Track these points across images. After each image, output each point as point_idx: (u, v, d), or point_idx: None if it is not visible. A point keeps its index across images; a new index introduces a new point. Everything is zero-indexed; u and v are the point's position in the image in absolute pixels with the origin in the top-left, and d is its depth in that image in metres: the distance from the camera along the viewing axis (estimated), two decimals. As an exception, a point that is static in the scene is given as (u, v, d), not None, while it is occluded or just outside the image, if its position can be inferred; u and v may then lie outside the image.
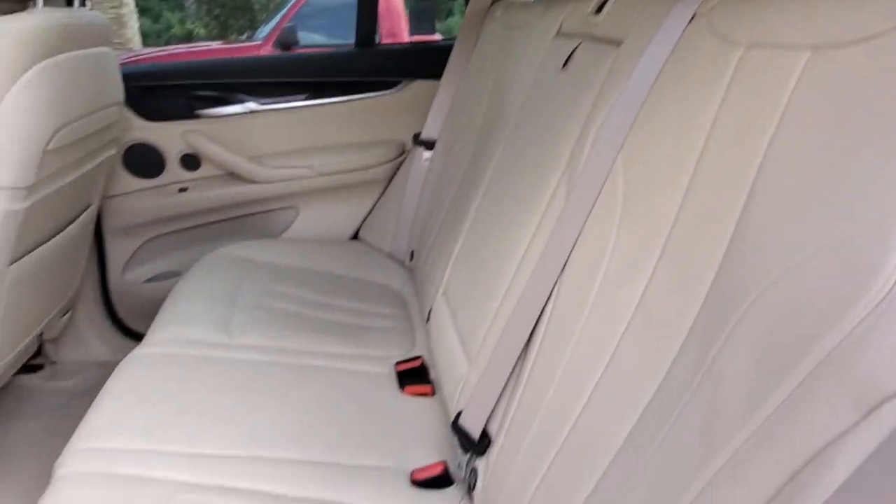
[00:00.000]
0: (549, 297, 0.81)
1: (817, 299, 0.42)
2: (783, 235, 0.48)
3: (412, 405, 1.16)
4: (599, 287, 0.72)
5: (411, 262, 1.73)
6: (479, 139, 1.41)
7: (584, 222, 0.77)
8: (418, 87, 1.89)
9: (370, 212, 1.95)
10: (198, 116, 1.81)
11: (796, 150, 0.51)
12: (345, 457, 0.99)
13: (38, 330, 1.51)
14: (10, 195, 1.12)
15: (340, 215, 1.94)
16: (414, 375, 1.24)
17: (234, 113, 1.83)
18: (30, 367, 1.78)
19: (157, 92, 1.78)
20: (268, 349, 1.25)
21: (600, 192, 0.76)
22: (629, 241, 0.70)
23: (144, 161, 1.80)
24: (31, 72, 1.13)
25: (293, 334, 1.32)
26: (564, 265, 0.80)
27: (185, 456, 0.93)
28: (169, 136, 1.79)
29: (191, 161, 1.83)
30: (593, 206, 0.77)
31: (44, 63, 1.16)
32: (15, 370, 1.64)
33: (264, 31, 6.02)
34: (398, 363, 1.27)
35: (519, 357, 0.85)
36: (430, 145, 1.73)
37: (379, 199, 1.94)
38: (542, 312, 0.82)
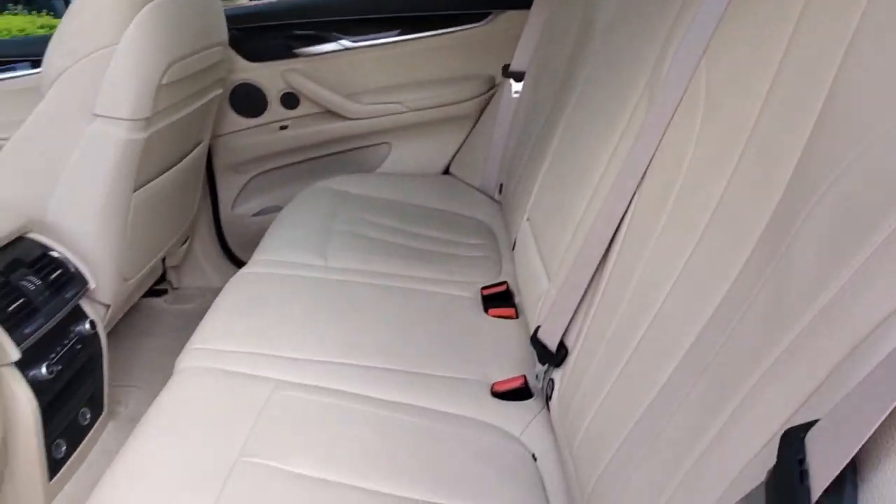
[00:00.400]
0: (626, 210, 0.81)
1: (886, 180, 0.41)
2: (860, 120, 0.46)
3: (495, 326, 1.20)
4: (677, 194, 0.71)
5: (500, 195, 1.74)
6: (568, 67, 1.38)
7: (664, 131, 0.76)
8: (508, 18, 1.86)
9: (460, 147, 1.97)
10: (295, 56, 1.88)
11: (887, 29, 0.48)
12: (429, 368, 1.05)
13: (161, 255, 1.67)
14: (130, 126, 1.24)
15: (431, 151, 1.98)
16: (498, 299, 1.28)
17: (330, 51, 1.89)
18: (156, 292, 1.98)
19: (256, 33, 1.86)
20: (360, 272, 1.32)
21: (682, 97, 0.74)
22: (710, 145, 0.68)
23: (248, 101, 1.90)
24: (143, 12, 1.23)
25: (384, 259, 1.38)
26: (643, 176, 0.79)
27: (285, 359, 1.02)
28: (270, 76, 1.88)
29: (290, 99, 1.92)
30: (674, 112, 0.75)
31: (154, 3, 1.25)
32: (143, 293, 1.83)
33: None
34: (483, 288, 1.31)
35: (596, 270, 0.86)
36: (519, 77, 1.72)
37: (469, 133, 1.96)
38: (619, 225, 0.82)
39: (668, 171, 0.74)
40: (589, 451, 0.74)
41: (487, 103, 1.91)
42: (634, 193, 0.80)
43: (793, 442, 0.37)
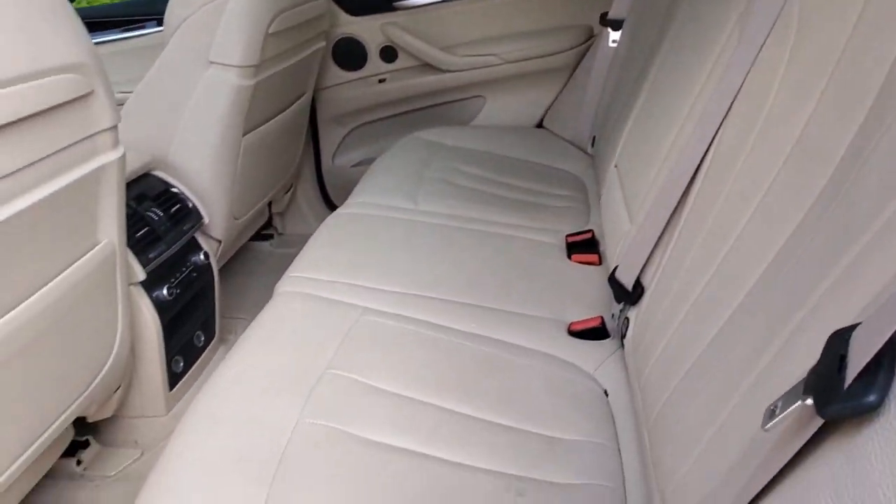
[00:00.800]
0: (709, 146, 0.80)
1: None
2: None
3: (577, 270, 1.21)
4: (762, 126, 0.69)
5: (592, 149, 1.73)
6: (668, 10, 1.34)
7: (752, 64, 0.74)
8: (609, -35, 1.81)
9: (555, 99, 1.96)
10: (395, 9, 1.93)
11: None
12: (508, 305, 1.08)
13: (266, 199, 1.79)
14: (240, 72, 1.33)
15: (525, 104, 1.98)
16: (583, 246, 1.28)
17: (428, 3, 1.92)
18: (263, 236, 2.13)
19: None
20: (448, 216, 1.37)
21: (772, 27, 0.72)
22: (798, 73, 0.66)
23: (350, 54, 1.98)
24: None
25: (472, 205, 1.42)
26: (728, 110, 0.77)
27: (372, 289, 1.08)
28: (370, 30, 1.93)
29: (389, 53, 1.97)
30: (763, 45, 0.72)
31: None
32: (251, 235, 1.98)
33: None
34: (569, 235, 1.32)
35: (675, 208, 0.85)
36: (617, 25, 1.67)
37: (564, 86, 1.94)
38: (701, 162, 0.81)
39: (754, 103, 0.72)
40: (655, 383, 0.75)
41: (584, 54, 1.88)
42: (718, 129, 0.78)
43: (837, 341, 0.37)
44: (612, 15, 1.68)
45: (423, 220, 1.33)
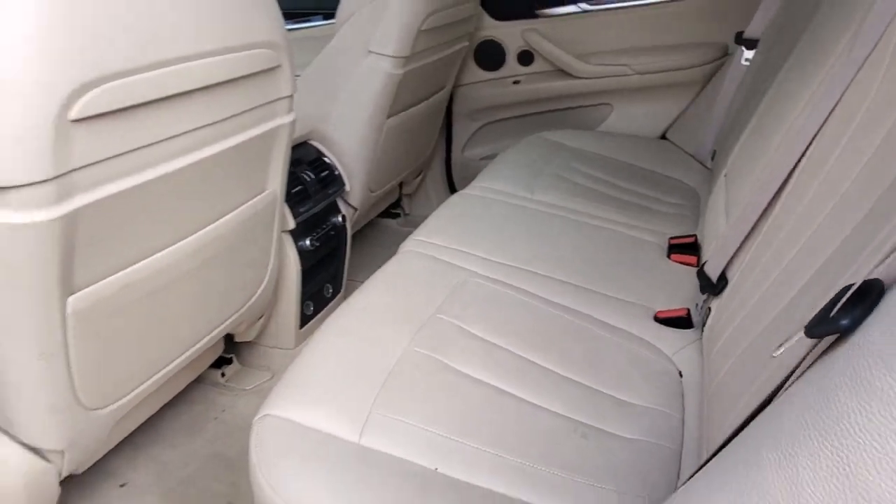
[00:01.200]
0: (801, 156, 0.86)
1: None
2: None
3: (673, 267, 1.29)
4: (847, 140, 0.76)
5: (712, 162, 1.77)
6: (797, 33, 1.37)
7: (850, 81, 0.80)
8: (752, -16, 1.84)
9: (681, 113, 2.01)
10: (536, 16, 2.07)
11: None
12: (602, 287, 1.19)
13: (398, 179, 1.99)
14: (393, 62, 1.53)
15: (651, 115, 2.04)
16: (683, 248, 1.35)
17: (568, 13, 2.04)
18: (392, 214, 2.34)
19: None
20: (559, 207, 1.48)
21: (874, 48, 0.78)
22: (886, 93, 0.72)
23: (489, 56, 2.14)
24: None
25: (583, 201, 1.52)
26: (822, 124, 0.84)
27: (481, 258, 1.23)
28: (510, 34, 2.09)
29: (526, 57, 2.11)
30: (863, 63, 0.79)
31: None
32: (381, 210, 2.20)
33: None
34: (672, 237, 1.40)
35: (765, 211, 0.92)
36: (751, 45, 1.71)
37: (692, 101, 1.98)
38: (793, 170, 0.88)
39: (844, 118, 0.79)
40: (716, 360, 0.84)
41: (716, 71, 1.92)
42: (812, 141, 0.85)
43: (842, 292, 0.46)
44: (747, 34, 1.72)
45: (534, 208, 1.46)
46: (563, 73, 2.07)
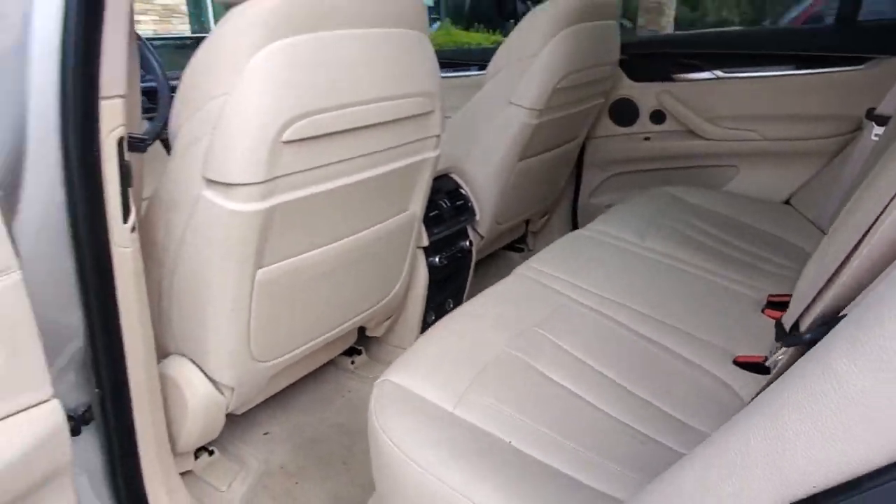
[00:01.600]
0: (878, 216, 0.96)
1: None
2: None
3: (763, 321, 1.37)
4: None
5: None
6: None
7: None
8: (888, 63, 1.87)
9: (807, 181, 2.05)
10: (671, 80, 2.21)
11: None
12: (687, 327, 1.31)
13: (524, 217, 2.20)
14: (528, 113, 1.76)
15: (776, 180, 2.10)
16: (780, 305, 1.43)
17: (702, 78, 2.17)
18: (515, 248, 2.55)
19: (644, 58, 2.25)
20: (665, 255, 1.61)
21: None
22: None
23: (624, 112, 2.31)
24: (561, 34, 1.72)
25: (690, 252, 1.64)
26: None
27: (582, 289, 1.40)
28: (645, 94, 2.25)
29: (658, 116, 2.26)
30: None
31: (571, 28, 1.74)
32: (505, 243, 2.41)
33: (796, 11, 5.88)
34: (771, 295, 1.48)
35: (845, 261, 1.01)
36: (883, 121, 1.74)
37: (820, 170, 2.02)
38: (869, 229, 0.97)
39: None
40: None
41: (846, 144, 1.95)
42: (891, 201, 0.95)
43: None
44: (879, 110, 1.76)
45: (641, 253, 1.61)
46: (693, 133, 2.19)
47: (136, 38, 1.70)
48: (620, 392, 1.10)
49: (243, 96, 0.98)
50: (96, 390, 1.00)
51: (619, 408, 1.06)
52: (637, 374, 1.14)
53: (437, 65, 1.33)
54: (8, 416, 0.79)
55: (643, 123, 2.29)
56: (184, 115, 1.05)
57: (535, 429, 0.98)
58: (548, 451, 0.95)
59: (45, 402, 0.83)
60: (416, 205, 1.49)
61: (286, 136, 1.02)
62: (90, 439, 1.04)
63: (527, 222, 2.44)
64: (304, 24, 1.00)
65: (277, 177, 1.05)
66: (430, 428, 0.96)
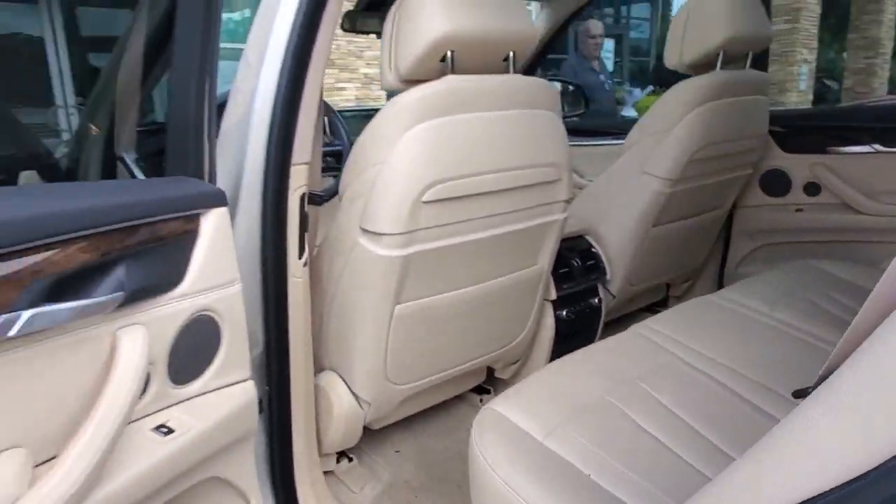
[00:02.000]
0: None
1: None
2: None
3: None
4: None
5: None
6: None
7: None
8: None
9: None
10: (826, 152, 2.17)
11: None
12: (782, 389, 1.32)
13: (662, 280, 2.26)
14: (661, 182, 1.86)
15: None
16: None
17: (859, 152, 2.10)
18: (654, 311, 2.58)
19: (796, 130, 2.23)
20: (790, 326, 1.60)
21: None
22: None
23: (775, 183, 2.29)
24: (700, 109, 1.82)
25: (825, 326, 1.61)
26: None
27: (691, 349, 1.46)
28: (798, 166, 2.22)
29: (812, 188, 2.21)
30: None
31: (711, 104, 1.83)
32: (642, 305, 2.47)
33: None
34: None
35: None
36: None
37: None
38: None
39: None
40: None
41: None
42: None
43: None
44: None
45: (765, 322, 1.61)
46: (849, 207, 2.12)
47: (330, 113, 2.08)
48: (717, 455, 1.16)
49: (394, 165, 1.23)
50: (266, 387, 1.28)
51: (712, 468, 1.12)
52: (740, 441, 1.19)
53: (565, 139, 1.50)
54: (226, 387, 1.10)
55: (796, 195, 2.26)
56: (351, 176, 1.33)
57: (617, 468, 1.09)
58: (624, 489, 1.05)
59: (246, 380, 1.12)
60: (544, 260, 1.65)
61: (425, 197, 1.26)
62: (259, 426, 1.33)
63: (668, 286, 2.47)
64: (445, 109, 1.24)
65: (416, 230, 1.28)
66: (519, 453, 1.11)
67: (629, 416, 1.21)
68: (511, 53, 1.35)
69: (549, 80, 3.26)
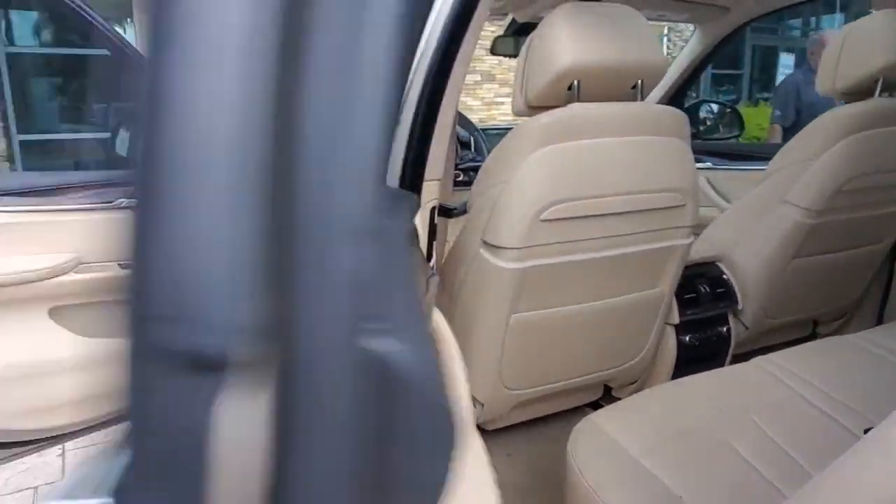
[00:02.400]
0: None
1: None
2: None
3: None
4: None
5: None
6: None
7: None
8: None
9: None
10: None
11: None
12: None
13: (804, 315, 2.14)
14: (803, 213, 1.78)
15: None
16: None
17: None
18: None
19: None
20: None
21: None
22: None
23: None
24: (851, 138, 1.73)
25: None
26: None
27: (812, 385, 1.40)
28: None
29: None
30: None
31: (863, 134, 1.73)
32: (782, 341, 2.34)
33: None
34: None
35: None
36: None
37: None
38: None
39: None
40: None
41: None
42: None
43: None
44: None
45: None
46: None
47: (475, 131, 2.23)
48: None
49: (516, 185, 1.34)
50: None
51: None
52: (823, 465, 1.15)
53: (692, 165, 1.51)
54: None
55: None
56: (477, 192, 1.45)
57: (712, 496, 1.10)
58: (714, 515, 1.07)
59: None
60: (666, 284, 1.66)
61: (544, 216, 1.34)
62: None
63: (816, 323, 2.33)
64: (567, 135, 1.32)
65: (533, 245, 1.38)
66: (611, 464, 1.16)
67: (733, 447, 1.21)
68: (639, 82, 1.39)
69: (702, 102, 3.19)
